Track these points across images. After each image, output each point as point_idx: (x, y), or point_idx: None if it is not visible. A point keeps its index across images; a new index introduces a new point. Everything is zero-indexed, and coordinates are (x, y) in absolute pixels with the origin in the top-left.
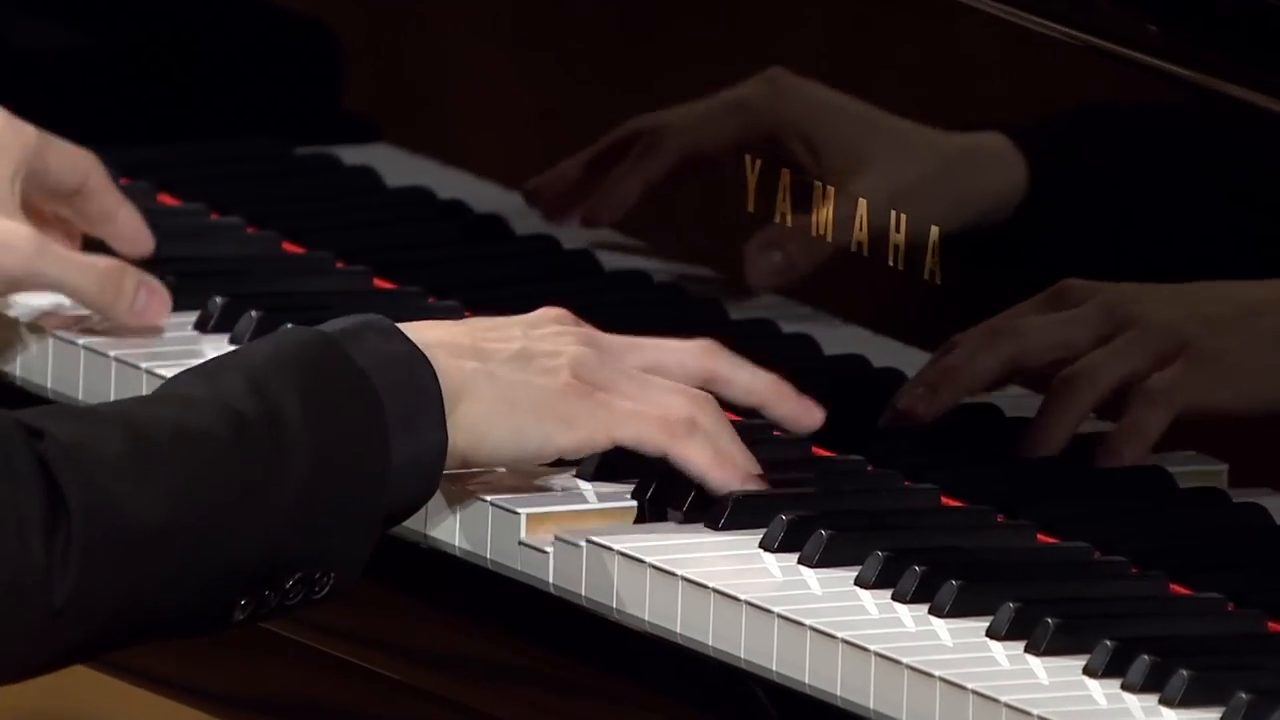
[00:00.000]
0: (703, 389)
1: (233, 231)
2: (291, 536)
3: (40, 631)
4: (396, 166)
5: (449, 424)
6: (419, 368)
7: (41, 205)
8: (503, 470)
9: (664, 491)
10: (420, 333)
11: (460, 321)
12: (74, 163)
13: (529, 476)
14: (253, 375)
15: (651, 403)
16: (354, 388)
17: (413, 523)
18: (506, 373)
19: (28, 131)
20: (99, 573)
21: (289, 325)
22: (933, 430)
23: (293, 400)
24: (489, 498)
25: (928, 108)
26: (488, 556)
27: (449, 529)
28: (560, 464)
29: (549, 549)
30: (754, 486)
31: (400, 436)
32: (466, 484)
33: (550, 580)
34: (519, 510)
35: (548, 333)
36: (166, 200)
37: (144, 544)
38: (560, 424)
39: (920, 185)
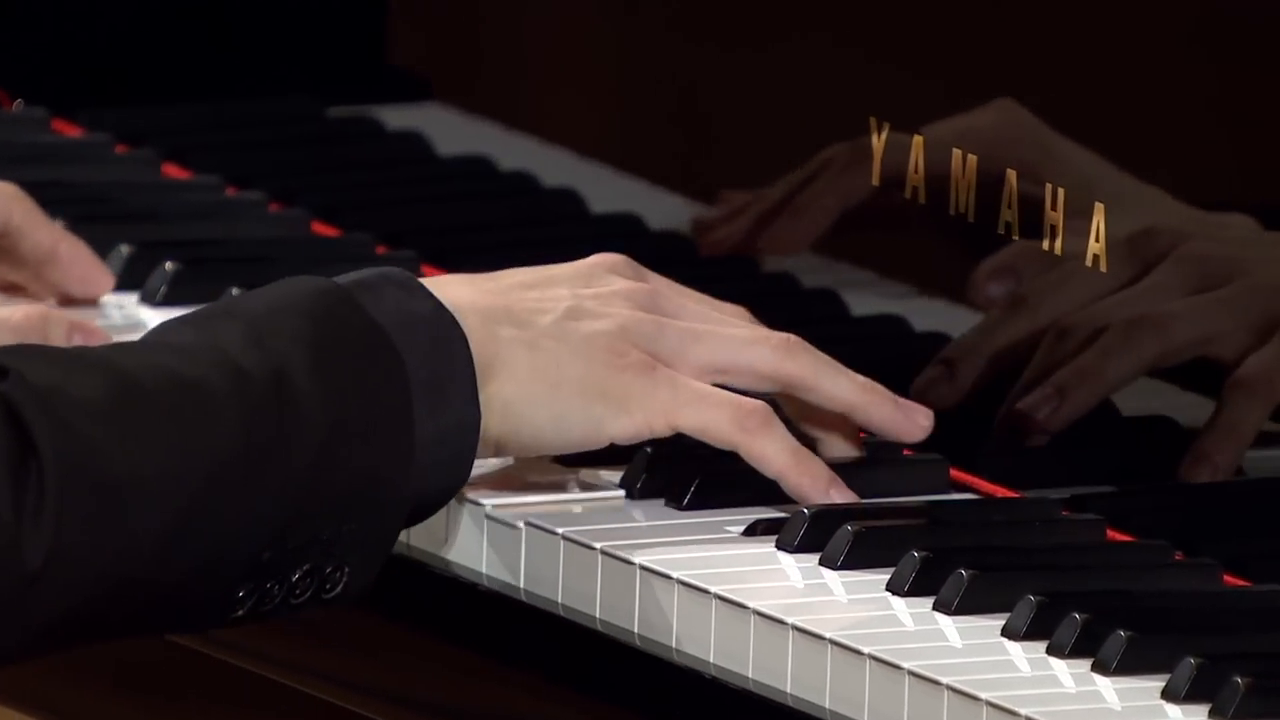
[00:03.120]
0: (781, 395)
1: (254, 209)
2: (302, 515)
3: (12, 599)
4: (450, 131)
5: (480, 402)
6: (447, 330)
7: None
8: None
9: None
10: (446, 290)
11: (495, 276)
12: None
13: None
14: (253, 325)
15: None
16: (371, 346)
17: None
18: (549, 343)
19: None
20: (79, 531)
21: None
22: (1096, 449)
23: (301, 356)
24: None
25: (1165, 163)
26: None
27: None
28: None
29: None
30: (838, 495)
31: (425, 406)
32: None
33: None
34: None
35: (602, 291)
36: (173, 171)
37: (130, 501)
38: (612, 407)
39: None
